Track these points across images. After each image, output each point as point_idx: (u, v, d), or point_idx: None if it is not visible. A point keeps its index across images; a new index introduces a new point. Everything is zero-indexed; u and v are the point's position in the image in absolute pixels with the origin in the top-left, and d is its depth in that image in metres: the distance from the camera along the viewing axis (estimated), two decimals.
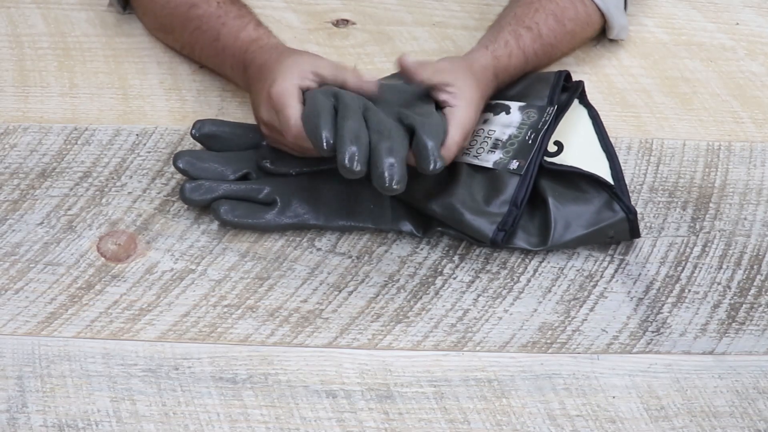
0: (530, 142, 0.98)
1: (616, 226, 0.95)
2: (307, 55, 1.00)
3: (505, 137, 1.00)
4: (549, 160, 0.98)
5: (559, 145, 1.00)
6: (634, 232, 0.96)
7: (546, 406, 0.85)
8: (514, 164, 0.97)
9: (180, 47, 1.13)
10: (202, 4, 1.08)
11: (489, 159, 0.98)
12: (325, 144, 0.89)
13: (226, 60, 1.06)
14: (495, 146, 0.99)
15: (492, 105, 1.03)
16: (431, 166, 0.89)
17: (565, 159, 0.99)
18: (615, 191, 0.96)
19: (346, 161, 0.87)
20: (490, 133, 1.00)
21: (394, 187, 0.87)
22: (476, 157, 0.99)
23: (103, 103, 1.09)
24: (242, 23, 1.06)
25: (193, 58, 1.12)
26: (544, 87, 1.05)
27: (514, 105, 1.03)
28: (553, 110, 1.01)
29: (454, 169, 0.98)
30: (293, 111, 0.93)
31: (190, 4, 1.09)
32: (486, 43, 1.06)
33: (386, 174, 0.87)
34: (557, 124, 1.00)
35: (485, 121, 1.02)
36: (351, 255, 0.96)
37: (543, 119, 1.00)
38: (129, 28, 1.17)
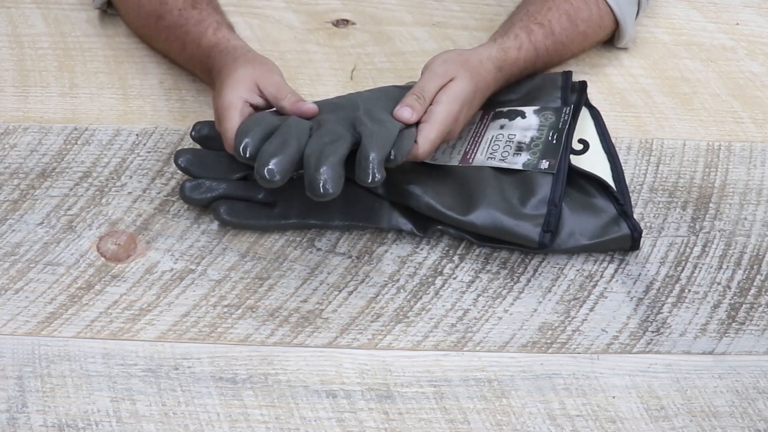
0: (554, 142, 0.99)
1: (619, 241, 0.95)
2: (259, 68, 0.97)
3: (527, 140, 1.00)
4: (574, 157, 0.99)
5: (585, 144, 1.01)
6: (634, 246, 0.96)
7: (546, 406, 0.85)
8: (545, 164, 0.97)
9: (164, 55, 1.13)
10: (167, 14, 1.07)
11: (517, 161, 0.98)
12: (242, 150, 0.87)
13: (196, 67, 1.07)
14: (519, 149, 0.99)
15: (505, 112, 1.03)
16: (369, 179, 0.87)
17: (578, 160, 0.99)
18: (624, 209, 0.96)
19: (260, 170, 0.85)
20: (511, 137, 1.00)
21: (324, 192, 0.85)
22: (503, 160, 0.98)
23: (103, 103, 1.09)
24: (202, 29, 1.04)
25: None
26: (553, 89, 1.06)
27: (528, 109, 1.03)
28: (569, 110, 1.02)
29: (480, 175, 0.97)
30: (231, 124, 0.92)
31: (157, 16, 1.08)
32: (495, 36, 1.06)
33: (316, 180, 0.85)
34: (576, 123, 1.01)
35: (502, 127, 1.02)
36: (351, 255, 0.96)
37: (562, 119, 1.01)
38: (129, 28, 1.17)
